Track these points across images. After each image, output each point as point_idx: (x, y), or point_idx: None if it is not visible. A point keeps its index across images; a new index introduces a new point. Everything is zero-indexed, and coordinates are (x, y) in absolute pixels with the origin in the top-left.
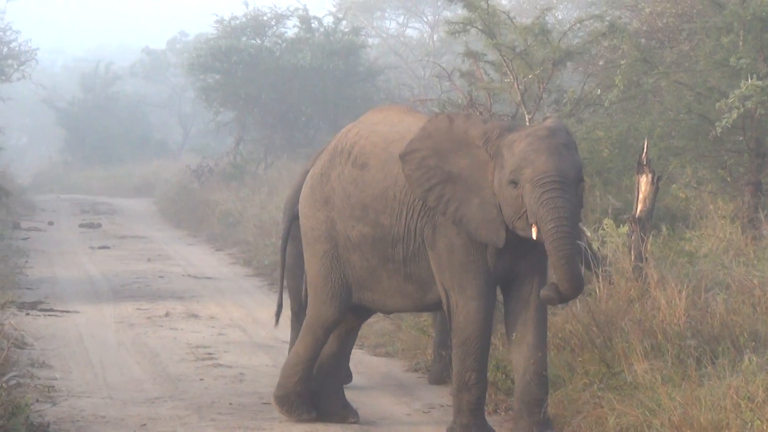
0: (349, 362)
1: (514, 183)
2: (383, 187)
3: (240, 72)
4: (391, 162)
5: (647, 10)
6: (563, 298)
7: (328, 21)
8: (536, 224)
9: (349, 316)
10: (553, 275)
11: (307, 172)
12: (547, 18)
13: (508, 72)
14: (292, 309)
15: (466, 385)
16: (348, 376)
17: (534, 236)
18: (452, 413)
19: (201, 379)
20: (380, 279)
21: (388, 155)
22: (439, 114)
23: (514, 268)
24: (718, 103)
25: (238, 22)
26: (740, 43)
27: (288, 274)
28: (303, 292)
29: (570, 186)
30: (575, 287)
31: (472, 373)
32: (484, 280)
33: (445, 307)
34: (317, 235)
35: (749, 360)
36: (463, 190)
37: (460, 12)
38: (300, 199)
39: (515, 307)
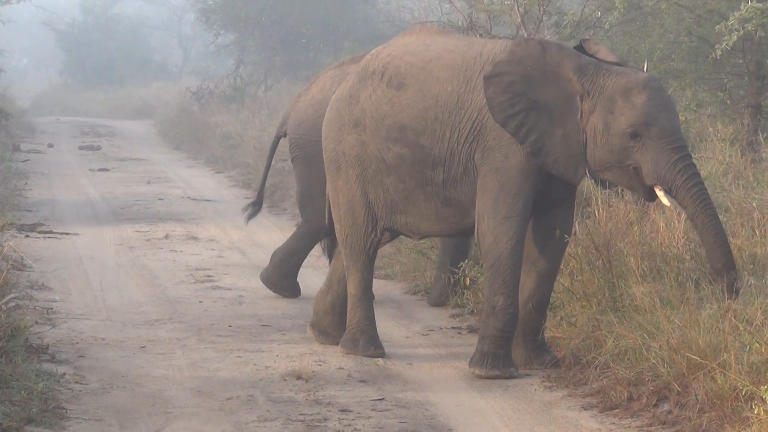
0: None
1: (636, 136)
2: (423, 107)
3: None
4: (431, 81)
5: None
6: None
7: None
8: (661, 185)
9: (386, 236)
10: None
11: (299, 96)
12: None
13: None
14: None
15: (494, 310)
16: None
17: (665, 201)
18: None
19: (200, 302)
20: (416, 202)
21: (427, 74)
22: (530, 40)
23: (549, 194)
24: (718, 26)
25: None
26: None
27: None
28: (326, 221)
29: None
30: (726, 239)
31: (500, 297)
32: (522, 204)
33: (476, 231)
34: (349, 160)
35: (748, 283)
36: (546, 121)
37: None
38: (324, 123)
39: (538, 229)
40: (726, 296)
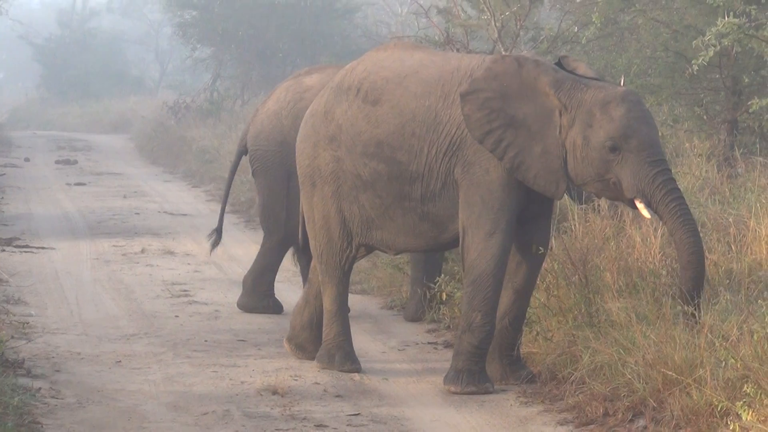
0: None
1: (615, 149)
2: (399, 122)
3: (217, 8)
4: (407, 97)
5: None
6: (695, 282)
7: None
8: (642, 198)
9: (361, 251)
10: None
11: (257, 110)
12: None
13: (485, 9)
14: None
15: (470, 326)
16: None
17: (646, 214)
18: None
19: (176, 316)
20: (393, 217)
21: (403, 90)
22: (506, 56)
23: (528, 209)
24: (694, 41)
25: None
26: None
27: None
28: (300, 238)
29: None
30: (702, 259)
31: (478, 313)
32: (505, 220)
33: (460, 247)
34: (324, 176)
35: (724, 298)
36: (524, 137)
37: None
38: (299, 139)
39: (515, 244)
40: (686, 316)
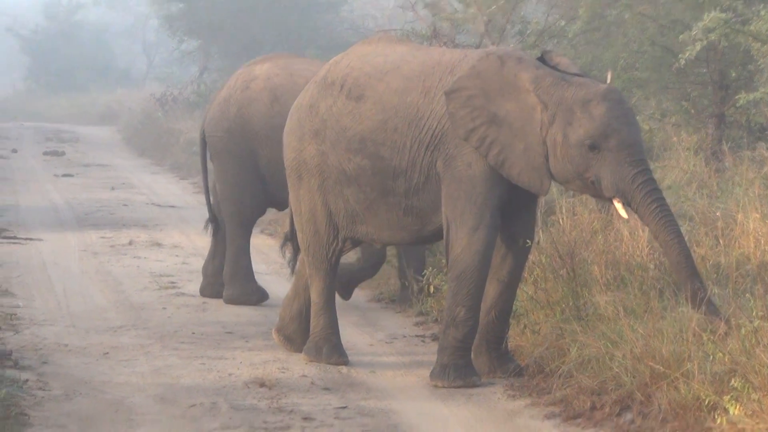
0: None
1: (594, 147)
2: (382, 118)
3: (203, 1)
4: (389, 93)
5: None
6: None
7: None
8: (621, 198)
9: (347, 244)
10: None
11: (215, 97)
12: None
13: (472, 2)
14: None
15: (454, 320)
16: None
17: (623, 214)
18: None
19: (164, 308)
20: (377, 212)
21: (385, 86)
22: (491, 53)
23: (513, 202)
24: (681, 36)
25: None
26: None
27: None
28: (289, 230)
29: None
30: (691, 259)
31: (462, 308)
32: (489, 214)
33: (444, 241)
34: (310, 170)
35: (711, 292)
36: (507, 134)
37: None
38: (285, 132)
39: (500, 237)
40: (691, 306)
